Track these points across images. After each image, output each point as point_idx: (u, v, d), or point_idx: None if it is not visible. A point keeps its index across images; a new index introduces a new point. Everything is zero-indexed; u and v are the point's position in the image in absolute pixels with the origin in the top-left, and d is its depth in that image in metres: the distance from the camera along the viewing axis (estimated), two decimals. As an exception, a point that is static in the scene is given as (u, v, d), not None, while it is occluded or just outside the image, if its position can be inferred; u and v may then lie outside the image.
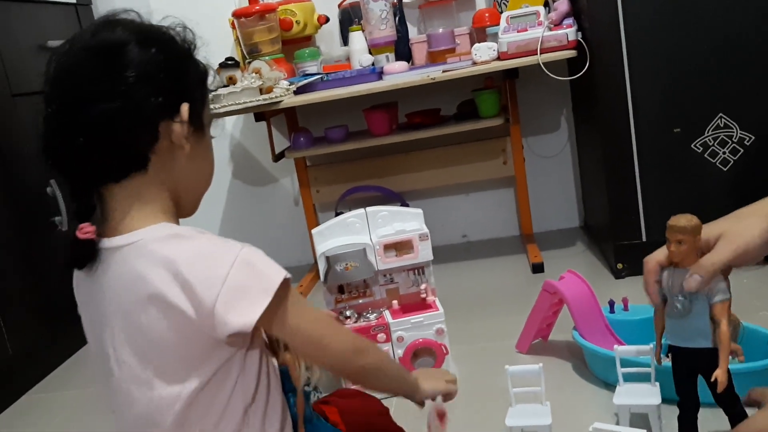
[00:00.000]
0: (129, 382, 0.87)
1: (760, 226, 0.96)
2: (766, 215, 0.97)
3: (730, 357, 1.27)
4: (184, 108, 0.84)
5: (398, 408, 1.48)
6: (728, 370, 1.01)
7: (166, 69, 0.84)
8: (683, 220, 1.01)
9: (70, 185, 0.85)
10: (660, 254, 1.07)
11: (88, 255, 0.85)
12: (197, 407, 0.85)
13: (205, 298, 0.79)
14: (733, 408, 1.06)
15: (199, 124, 0.89)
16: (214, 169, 0.95)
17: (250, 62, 2.10)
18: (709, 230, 1.01)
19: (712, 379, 1.00)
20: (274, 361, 0.95)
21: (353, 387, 1.50)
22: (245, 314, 0.80)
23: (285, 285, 0.84)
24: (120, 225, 0.85)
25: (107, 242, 0.85)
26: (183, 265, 0.80)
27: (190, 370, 0.84)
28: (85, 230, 0.84)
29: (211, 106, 0.96)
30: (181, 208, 0.92)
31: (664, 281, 1.06)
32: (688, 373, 1.10)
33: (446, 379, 1.11)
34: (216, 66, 2.04)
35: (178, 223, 0.91)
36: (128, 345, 0.85)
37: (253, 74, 2.00)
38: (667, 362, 1.31)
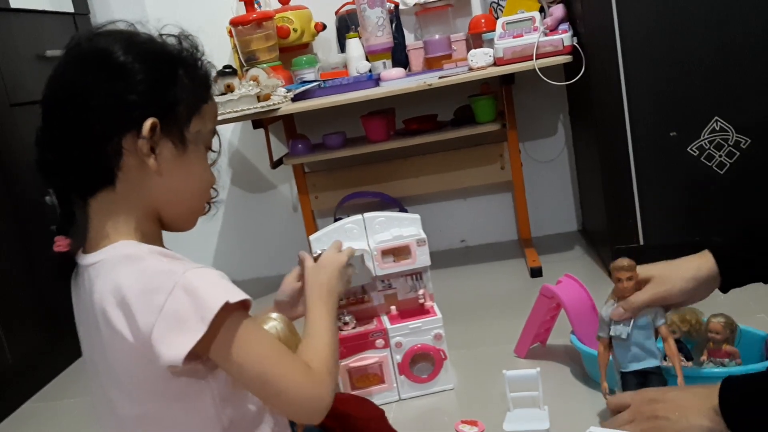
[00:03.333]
0: (100, 398, 0.87)
1: (684, 278, 1.15)
2: (695, 269, 1.15)
3: (728, 360, 1.29)
4: (147, 123, 0.81)
5: (396, 411, 1.49)
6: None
7: (141, 80, 0.81)
8: (626, 261, 1.20)
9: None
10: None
11: (65, 268, 0.86)
12: (162, 430, 0.84)
13: (143, 328, 0.77)
14: None
15: (180, 138, 0.84)
16: (208, 184, 0.91)
17: (247, 70, 2.11)
18: (643, 270, 1.19)
19: None
20: None
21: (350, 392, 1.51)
22: (176, 346, 0.76)
23: (227, 311, 0.78)
24: (93, 242, 0.85)
25: (82, 259, 0.85)
26: (126, 291, 0.78)
27: (148, 393, 0.82)
28: (58, 243, 0.85)
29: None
30: (169, 224, 0.90)
31: (608, 315, 1.20)
32: None
33: (336, 266, 1.11)
34: (213, 74, 2.05)
35: (158, 239, 0.89)
36: (95, 363, 0.86)
37: (251, 82, 2.01)
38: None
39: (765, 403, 0.91)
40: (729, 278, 1.16)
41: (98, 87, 0.81)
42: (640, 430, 1.04)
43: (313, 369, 0.86)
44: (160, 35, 0.87)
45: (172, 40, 0.88)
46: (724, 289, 1.18)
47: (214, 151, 0.92)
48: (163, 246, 0.89)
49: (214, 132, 0.92)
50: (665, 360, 1.23)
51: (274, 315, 1.02)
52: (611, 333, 1.19)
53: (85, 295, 0.84)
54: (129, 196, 0.84)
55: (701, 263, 1.16)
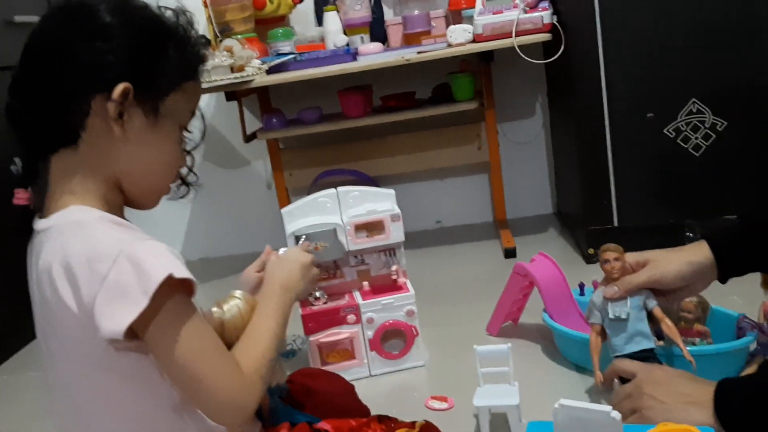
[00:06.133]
0: (51, 371, 0.84)
1: (679, 262, 1.15)
2: (691, 255, 1.16)
3: (699, 339, 1.28)
4: (119, 88, 0.78)
5: (366, 387, 1.47)
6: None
7: (122, 43, 0.79)
8: (613, 244, 1.21)
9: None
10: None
11: (24, 223, 0.83)
12: (112, 407, 0.81)
13: (86, 298, 0.74)
14: None
15: (153, 109, 0.82)
16: (175, 164, 0.88)
17: (221, 41, 2.06)
18: (639, 255, 1.20)
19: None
20: None
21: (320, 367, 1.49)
22: (117, 319, 0.72)
23: (171, 288, 0.74)
24: (50, 204, 0.82)
25: (37, 224, 0.82)
26: (72, 259, 0.75)
27: (95, 368, 0.79)
28: (19, 196, 0.82)
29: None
30: (130, 200, 0.86)
31: (602, 300, 1.19)
32: None
33: (300, 267, 1.05)
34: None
35: (119, 210, 0.86)
36: (46, 335, 0.83)
37: (225, 52, 1.96)
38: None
39: (763, 411, 0.91)
40: (726, 268, 1.15)
41: (76, 42, 0.79)
42: (635, 407, 1.04)
43: (244, 373, 0.81)
44: (159, 7, 0.85)
45: (169, 14, 0.86)
46: (723, 280, 1.17)
47: (189, 132, 0.89)
48: (123, 218, 0.86)
49: (194, 113, 0.89)
50: (661, 341, 1.23)
51: (238, 293, 0.98)
52: (611, 315, 1.17)
53: (35, 262, 0.81)
54: (91, 160, 0.81)
55: (697, 250, 1.16)
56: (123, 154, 0.82)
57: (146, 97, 0.81)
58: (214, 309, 0.93)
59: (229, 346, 0.92)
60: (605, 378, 1.17)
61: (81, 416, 0.83)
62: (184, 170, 0.92)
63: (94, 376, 0.80)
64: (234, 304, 0.94)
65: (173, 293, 0.75)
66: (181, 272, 0.75)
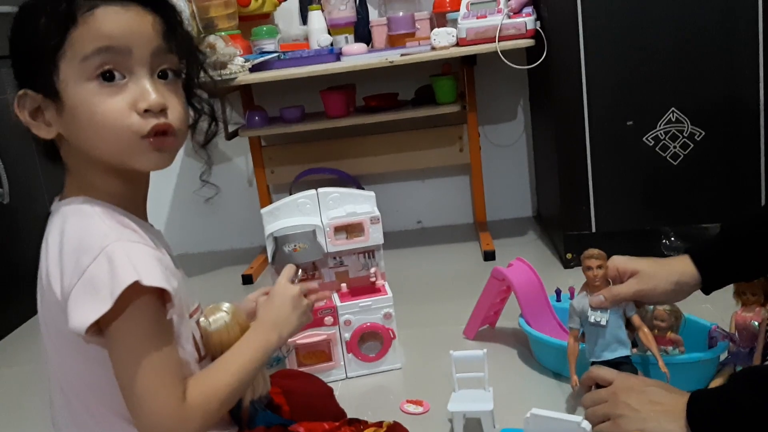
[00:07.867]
0: (46, 355, 0.85)
1: (667, 281, 1.17)
2: (678, 273, 1.17)
3: (671, 347, 1.30)
4: (16, 103, 0.78)
5: (342, 390, 1.47)
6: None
7: (14, 49, 0.79)
8: (596, 250, 1.22)
9: None
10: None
11: None
12: (88, 387, 0.81)
13: (66, 287, 0.74)
14: None
15: (53, 92, 0.76)
16: (119, 114, 0.76)
17: (204, 37, 2.05)
18: (628, 264, 1.20)
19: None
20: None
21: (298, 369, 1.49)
22: (82, 316, 0.72)
23: (138, 293, 0.73)
24: (65, 192, 0.84)
25: (52, 206, 0.84)
26: (65, 245, 0.76)
27: (76, 355, 0.79)
28: None
29: None
30: (131, 168, 0.80)
31: (582, 306, 1.21)
32: None
33: (293, 308, 0.97)
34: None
35: (131, 202, 0.84)
36: (40, 306, 0.84)
37: (208, 49, 1.94)
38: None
39: (732, 424, 0.94)
40: (710, 282, 1.18)
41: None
42: (607, 413, 1.06)
43: (186, 404, 0.77)
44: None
45: None
46: (707, 292, 1.20)
47: (108, 79, 0.76)
48: (143, 210, 0.87)
49: (104, 50, 0.75)
50: (635, 348, 1.25)
51: (225, 306, 0.96)
52: (591, 320, 1.18)
53: (45, 242, 0.82)
54: (69, 160, 0.83)
55: (685, 269, 1.18)
56: (75, 144, 0.79)
57: (44, 86, 0.76)
58: (201, 319, 0.93)
59: (213, 358, 0.91)
60: (582, 384, 1.18)
61: (61, 390, 0.84)
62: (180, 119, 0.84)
63: (70, 357, 0.81)
64: (220, 317, 0.93)
65: (141, 301, 0.74)
66: (152, 280, 0.73)
